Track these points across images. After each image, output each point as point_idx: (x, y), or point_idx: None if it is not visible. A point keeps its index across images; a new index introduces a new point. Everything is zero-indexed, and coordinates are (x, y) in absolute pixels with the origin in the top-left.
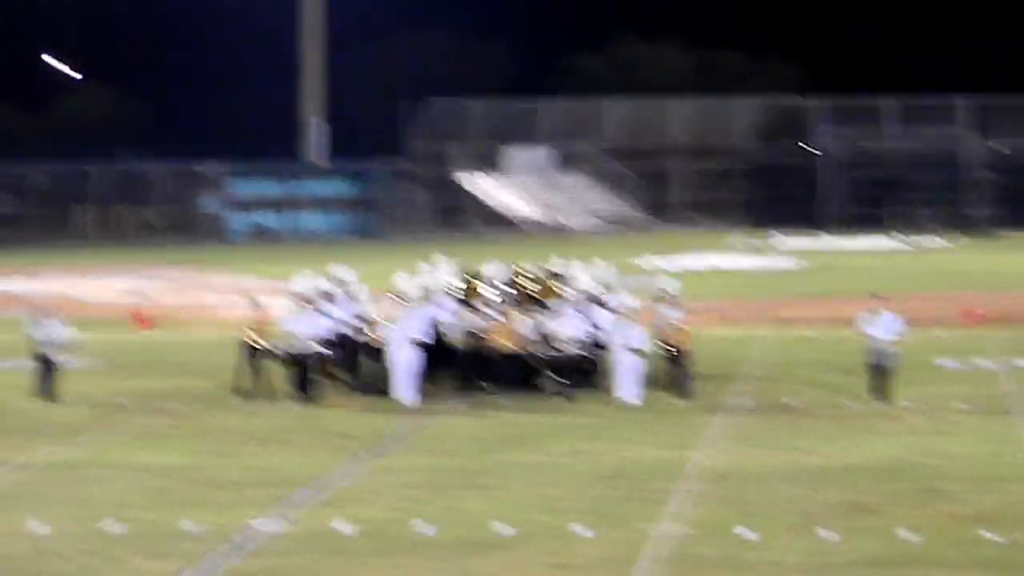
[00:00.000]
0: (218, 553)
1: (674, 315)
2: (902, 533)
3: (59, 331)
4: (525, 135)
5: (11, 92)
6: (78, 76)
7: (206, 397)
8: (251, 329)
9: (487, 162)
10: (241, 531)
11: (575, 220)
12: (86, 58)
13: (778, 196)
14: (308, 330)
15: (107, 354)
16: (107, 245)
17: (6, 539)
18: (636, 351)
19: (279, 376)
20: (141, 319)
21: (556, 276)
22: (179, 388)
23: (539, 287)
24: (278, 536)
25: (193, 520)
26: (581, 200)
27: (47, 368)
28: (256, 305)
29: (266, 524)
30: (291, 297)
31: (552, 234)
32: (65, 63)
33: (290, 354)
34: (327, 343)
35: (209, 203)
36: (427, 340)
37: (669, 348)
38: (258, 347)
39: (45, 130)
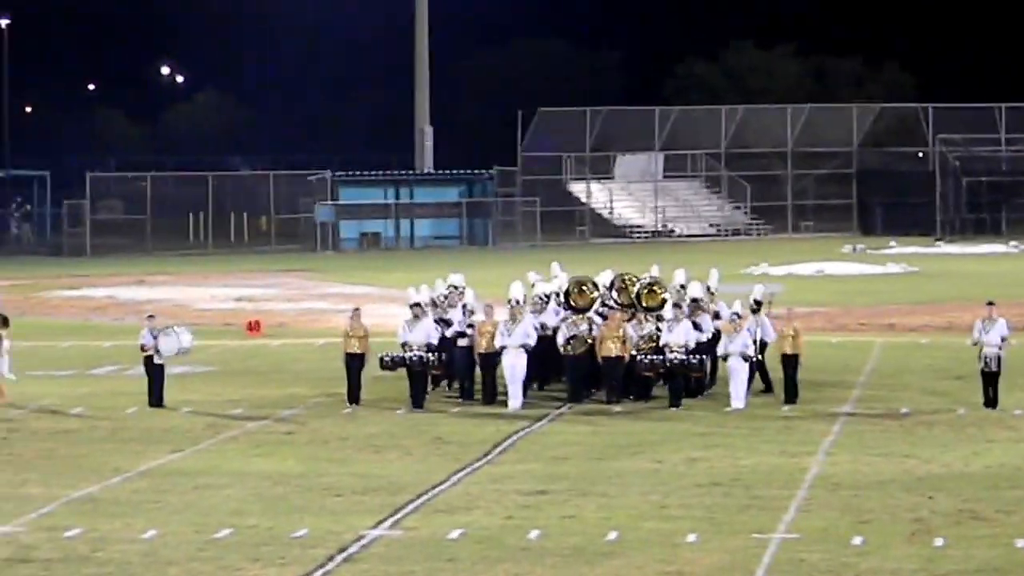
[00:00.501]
0: (332, 561)
1: (768, 323)
2: (1019, 542)
3: (176, 339)
4: (638, 143)
5: (125, 102)
6: None
7: (320, 404)
8: (353, 337)
9: (599, 169)
10: (355, 538)
11: (686, 227)
12: (200, 68)
13: (892, 203)
14: (420, 338)
15: (221, 361)
16: (220, 253)
17: (121, 546)
18: (744, 358)
19: (392, 384)
20: (253, 326)
21: (664, 284)
22: (293, 396)
23: (647, 294)
24: (391, 543)
25: (308, 527)
26: (693, 207)
27: (158, 376)
28: (357, 314)
29: (379, 531)
30: (404, 305)
31: (663, 241)
32: (179, 73)
33: (402, 362)
34: (439, 350)
35: (321, 211)
36: (537, 347)
37: (784, 354)
38: (360, 355)
39: (159, 139)
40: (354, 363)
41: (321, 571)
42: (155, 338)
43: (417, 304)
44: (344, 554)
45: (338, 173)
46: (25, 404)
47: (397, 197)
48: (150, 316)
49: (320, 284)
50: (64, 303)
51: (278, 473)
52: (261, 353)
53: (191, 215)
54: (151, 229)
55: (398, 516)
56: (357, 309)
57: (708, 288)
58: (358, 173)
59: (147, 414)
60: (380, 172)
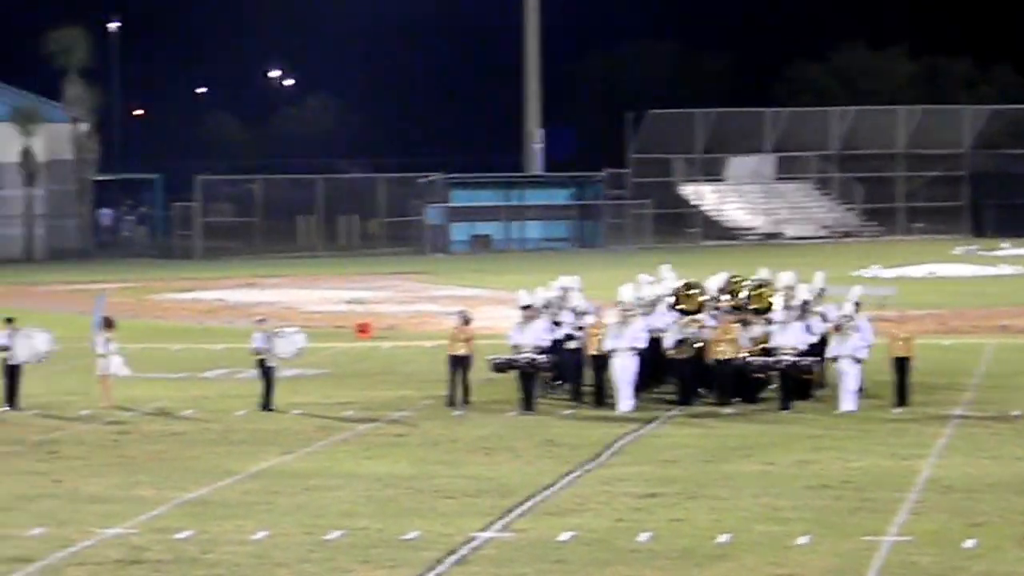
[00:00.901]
0: (442, 563)
1: (867, 326)
2: None
3: (290, 342)
4: (748, 144)
5: (235, 105)
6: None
7: (431, 406)
8: (458, 340)
9: (709, 172)
10: (465, 540)
11: (797, 229)
12: (310, 71)
13: (1004, 204)
14: (530, 340)
15: (332, 364)
16: (331, 255)
17: (232, 547)
18: (854, 360)
19: (502, 386)
20: (364, 329)
21: (773, 286)
22: (404, 398)
23: (756, 296)
24: (501, 545)
25: (418, 529)
26: (803, 209)
27: (268, 378)
28: (463, 316)
29: (489, 533)
30: (515, 307)
31: (774, 243)
32: (287, 76)
33: (512, 364)
34: (549, 352)
35: (432, 213)
36: (647, 349)
37: (895, 357)
38: (465, 357)
39: (270, 142)
40: (459, 365)
41: (431, 573)
42: (268, 341)
43: (528, 306)
44: (454, 556)
45: (449, 175)
46: (136, 407)
47: (507, 200)
48: (261, 320)
49: (430, 286)
50: (175, 306)
51: (389, 475)
52: (372, 355)
53: (301, 218)
54: (261, 232)
55: (508, 518)
56: (462, 311)
57: (817, 290)
58: (469, 175)
59: (258, 416)
60: (491, 174)
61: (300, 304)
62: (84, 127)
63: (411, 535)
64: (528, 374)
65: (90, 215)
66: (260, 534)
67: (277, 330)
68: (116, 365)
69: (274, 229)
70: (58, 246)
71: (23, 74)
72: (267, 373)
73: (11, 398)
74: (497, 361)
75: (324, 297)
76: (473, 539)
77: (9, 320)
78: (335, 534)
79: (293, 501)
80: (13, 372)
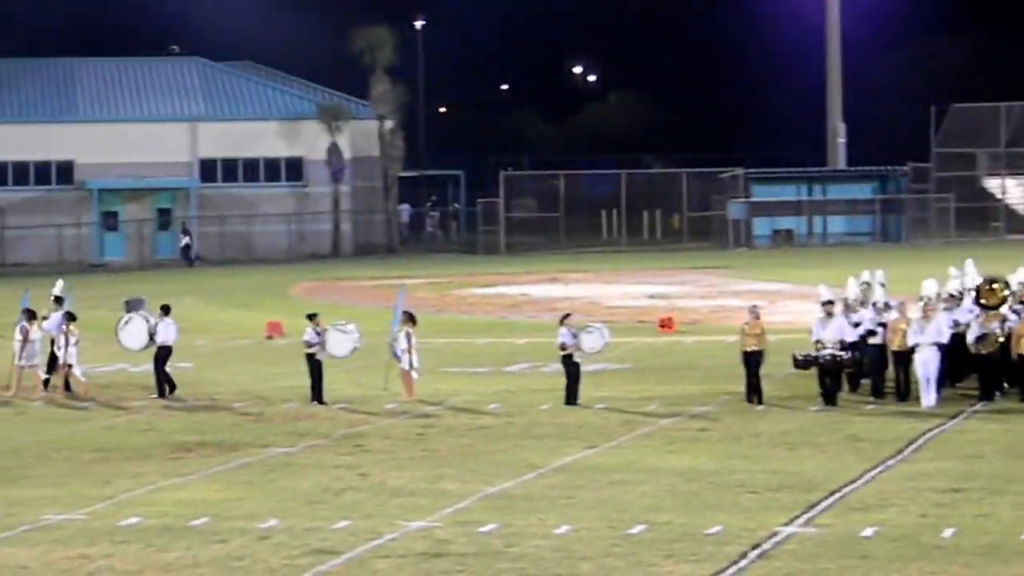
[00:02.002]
0: (745, 557)
1: None
2: None
3: (599, 337)
4: None
5: (539, 102)
6: None
7: (733, 401)
8: (750, 335)
9: (1015, 165)
10: (768, 535)
11: None
12: (611, 67)
13: None
14: (832, 335)
15: (635, 358)
16: (633, 250)
17: (535, 541)
18: None
19: (803, 381)
20: (666, 323)
21: None
22: (706, 392)
23: None
24: (804, 540)
25: (721, 524)
26: None
27: (572, 373)
28: (755, 311)
29: (793, 528)
30: (817, 302)
31: None
32: (592, 73)
33: (815, 360)
34: (851, 348)
35: (734, 208)
36: (950, 344)
37: None
38: (757, 352)
39: (573, 138)
40: (752, 360)
41: (734, 568)
42: (574, 336)
43: (830, 302)
44: (758, 551)
45: (751, 171)
46: (441, 401)
47: (810, 194)
48: (566, 315)
49: (733, 281)
50: (479, 301)
51: (691, 469)
52: (674, 350)
53: (604, 213)
54: (564, 227)
55: (812, 513)
56: (754, 306)
57: None
58: (771, 171)
59: (562, 410)
60: (793, 169)
61: (603, 299)
62: (390, 124)
63: (714, 529)
64: (829, 370)
65: (395, 211)
66: (563, 528)
67: (585, 326)
68: (408, 362)
69: (577, 224)
70: (364, 241)
71: (330, 73)
72: (572, 368)
73: (317, 393)
74: (799, 357)
75: (626, 292)
76: (776, 534)
77: (312, 316)
78: (638, 528)
79: (596, 495)
80: (318, 367)
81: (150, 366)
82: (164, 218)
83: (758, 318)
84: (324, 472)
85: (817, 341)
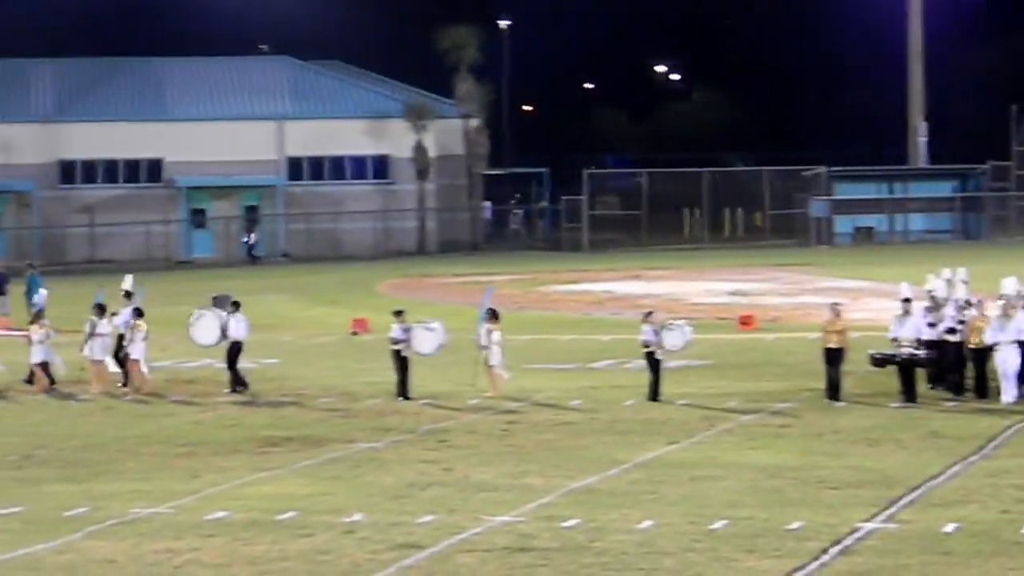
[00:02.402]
0: (827, 553)
1: None
2: None
3: (681, 334)
4: None
5: (621, 100)
6: None
7: (813, 397)
8: (831, 332)
9: None
10: (850, 531)
11: None
12: (695, 67)
13: None
14: (910, 333)
15: (716, 355)
16: (715, 248)
17: (618, 536)
18: None
19: (884, 379)
20: (746, 321)
21: None
22: (787, 389)
23: None
24: (885, 536)
25: (803, 520)
26: None
27: (656, 370)
28: (836, 309)
29: (874, 524)
30: (896, 299)
31: None
32: (675, 72)
33: (892, 358)
34: (928, 346)
35: (815, 206)
36: None
37: None
38: (838, 350)
39: (656, 137)
40: (833, 358)
41: (816, 563)
42: (657, 334)
43: (907, 299)
44: (839, 546)
45: (833, 169)
46: (525, 397)
47: (891, 192)
48: (649, 313)
49: (815, 278)
50: (563, 297)
51: (773, 466)
52: (755, 347)
53: (686, 211)
54: (647, 224)
55: (892, 509)
56: (835, 304)
57: None
58: (853, 169)
59: (644, 407)
60: (874, 167)
61: (685, 296)
62: (474, 123)
63: (796, 525)
64: (908, 367)
65: (480, 209)
66: (646, 523)
67: (668, 323)
68: (497, 358)
69: (660, 222)
70: (448, 239)
71: (416, 72)
72: (654, 364)
73: (403, 389)
74: (876, 356)
75: (708, 289)
76: (857, 529)
77: (398, 313)
78: (720, 524)
79: (678, 491)
80: (404, 364)
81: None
82: (251, 215)
83: (839, 315)
84: (409, 467)
85: (894, 339)
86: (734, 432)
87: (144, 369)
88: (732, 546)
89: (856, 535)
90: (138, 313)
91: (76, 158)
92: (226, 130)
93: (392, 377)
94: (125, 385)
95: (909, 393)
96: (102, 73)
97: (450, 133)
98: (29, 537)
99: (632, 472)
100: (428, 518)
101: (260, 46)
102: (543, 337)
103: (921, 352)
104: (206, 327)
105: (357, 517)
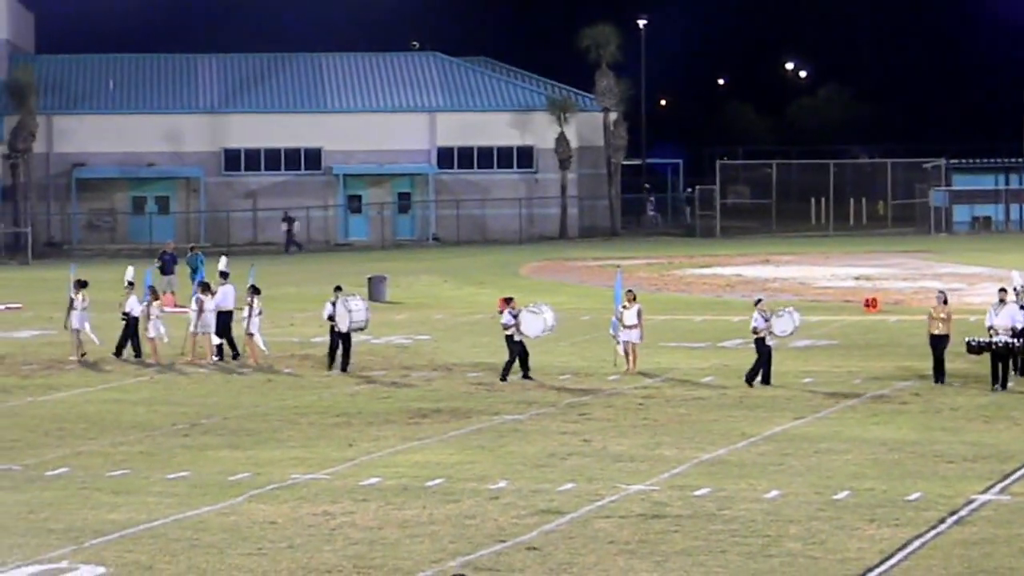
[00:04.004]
0: (943, 523)
1: None
2: None
3: (785, 320)
4: None
5: (753, 95)
6: None
7: (932, 377)
8: (937, 319)
9: None
10: (965, 502)
11: None
12: (822, 63)
13: None
14: (1004, 322)
15: (841, 335)
16: (840, 235)
17: (746, 505)
18: None
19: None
20: (871, 303)
21: None
22: (908, 368)
23: None
24: (999, 507)
25: (921, 491)
26: None
27: (766, 354)
28: (943, 296)
29: (988, 496)
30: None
31: None
32: (803, 68)
33: (988, 346)
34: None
35: (935, 196)
36: None
37: None
38: (944, 336)
39: (785, 130)
40: (939, 343)
41: (933, 532)
42: (766, 320)
43: (1003, 289)
44: (954, 517)
45: (951, 160)
46: (659, 373)
47: (1007, 183)
48: (758, 300)
49: (934, 264)
50: (696, 280)
51: (893, 440)
52: (878, 328)
53: (813, 200)
54: (776, 213)
55: (1006, 482)
56: (942, 292)
57: None
58: (971, 161)
59: (770, 385)
60: (991, 160)
61: (811, 280)
62: (614, 116)
63: (914, 496)
64: (1001, 355)
65: (619, 198)
66: (773, 493)
67: (777, 311)
68: (628, 335)
69: (788, 210)
70: (588, 225)
71: (559, 68)
72: (763, 349)
73: (506, 371)
74: (972, 343)
75: (834, 274)
76: (972, 501)
77: (508, 300)
78: (843, 494)
79: (804, 463)
80: (518, 346)
81: (392, 338)
82: (404, 201)
83: (946, 302)
84: (551, 438)
85: (990, 327)
86: (857, 408)
87: (260, 342)
88: (855, 515)
89: (971, 506)
90: (255, 290)
91: (240, 147)
92: (380, 121)
93: (537, 357)
94: (236, 357)
95: (1002, 381)
96: (266, 68)
97: (591, 125)
98: (195, 500)
99: (760, 445)
100: (568, 486)
101: (412, 43)
102: (677, 318)
103: (1016, 340)
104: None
105: (501, 484)
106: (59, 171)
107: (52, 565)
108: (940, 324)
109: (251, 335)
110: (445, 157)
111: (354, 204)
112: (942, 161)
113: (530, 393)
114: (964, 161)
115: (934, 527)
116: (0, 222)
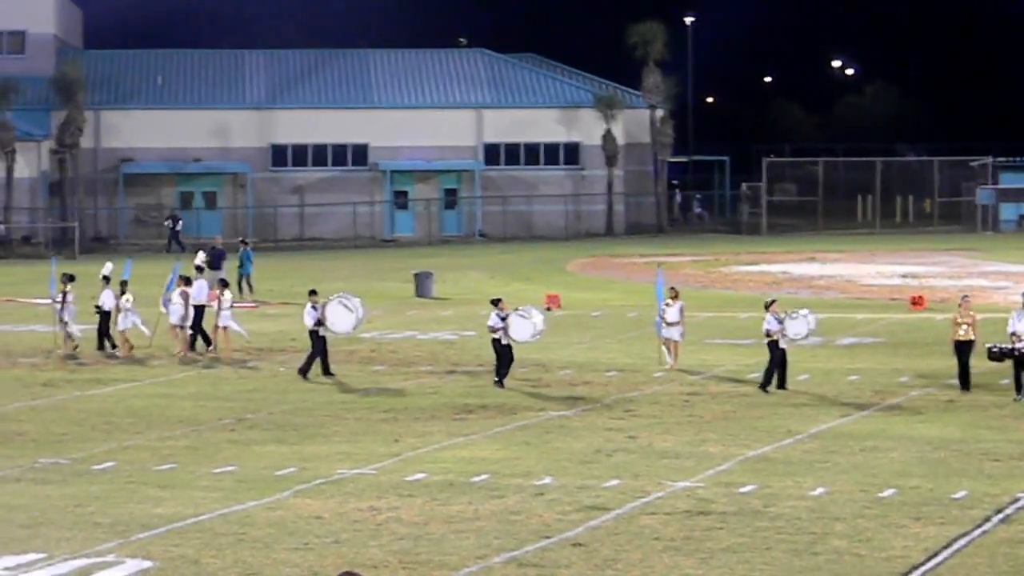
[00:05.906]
0: (989, 521)
1: None
2: None
3: (804, 323)
4: None
5: (798, 93)
6: None
7: (979, 375)
8: (962, 324)
9: None
10: (1011, 500)
11: None
12: (869, 61)
13: None
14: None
15: (888, 333)
16: (887, 233)
17: (791, 502)
18: None
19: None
20: (917, 301)
21: None
22: (954, 366)
23: None
24: None
25: (967, 489)
26: None
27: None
28: (967, 301)
29: None
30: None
31: None
32: (850, 66)
33: (1010, 353)
34: None
35: (982, 194)
36: None
37: None
38: (968, 342)
39: (831, 128)
40: (964, 349)
41: (978, 531)
42: (780, 322)
43: None
44: (1000, 515)
45: (998, 159)
46: (705, 370)
47: None
48: (772, 302)
49: (980, 263)
50: (743, 277)
51: (939, 438)
52: (924, 326)
53: (860, 197)
54: (822, 210)
55: None
56: (966, 297)
57: None
58: (1018, 159)
59: (815, 383)
60: None
61: (857, 277)
62: (660, 113)
63: (960, 494)
64: (1022, 361)
65: (666, 194)
66: (818, 490)
67: (792, 312)
68: (670, 331)
69: (834, 208)
70: (635, 221)
71: (606, 65)
72: (775, 353)
73: (501, 375)
74: (993, 349)
75: (880, 271)
76: (1018, 499)
77: (496, 302)
78: (888, 492)
79: (850, 460)
80: (504, 351)
81: (438, 334)
82: (450, 197)
83: (969, 307)
84: (596, 434)
85: (1012, 334)
86: (903, 406)
87: (239, 330)
88: (900, 513)
89: (1017, 504)
90: (223, 284)
91: (287, 142)
92: (427, 117)
93: (583, 354)
94: (193, 350)
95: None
96: (311, 63)
97: (637, 122)
98: (242, 494)
99: (805, 442)
100: (614, 482)
101: (459, 40)
102: (723, 315)
103: None
104: (339, 316)
105: (547, 480)
106: (107, 166)
107: (99, 559)
108: (965, 328)
109: (224, 328)
110: (492, 153)
111: (400, 200)
112: (989, 159)
113: (576, 389)
114: (1011, 159)
115: (979, 525)
116: (48, 217)
